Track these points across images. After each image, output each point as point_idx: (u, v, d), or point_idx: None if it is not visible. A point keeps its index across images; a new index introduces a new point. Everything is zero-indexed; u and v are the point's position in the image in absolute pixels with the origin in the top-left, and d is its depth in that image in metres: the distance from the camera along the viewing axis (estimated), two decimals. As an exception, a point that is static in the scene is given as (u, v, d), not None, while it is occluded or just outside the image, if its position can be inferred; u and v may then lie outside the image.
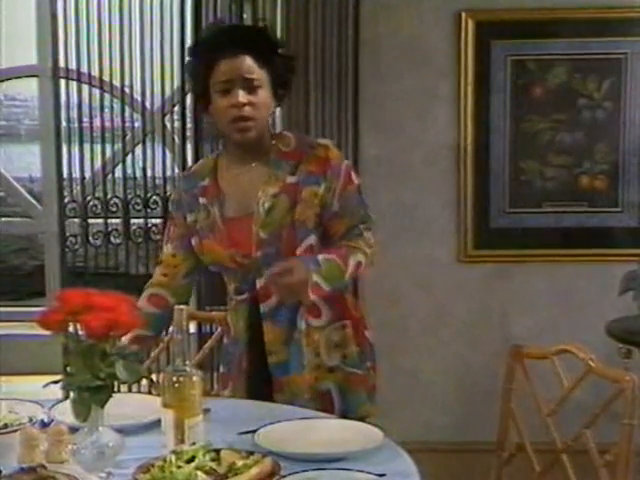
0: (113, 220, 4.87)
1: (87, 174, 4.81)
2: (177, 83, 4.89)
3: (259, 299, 2.91)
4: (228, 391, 3.03)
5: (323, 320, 2.93)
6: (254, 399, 2.91)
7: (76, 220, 4.81)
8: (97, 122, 4.84)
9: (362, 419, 2.86)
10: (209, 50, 2.90)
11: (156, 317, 2.98)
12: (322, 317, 2.93)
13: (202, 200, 2.99)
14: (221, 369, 3.09)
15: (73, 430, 2.24)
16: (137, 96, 4.89)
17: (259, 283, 2.91)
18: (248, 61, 2.85)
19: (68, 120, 4.75)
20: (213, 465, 2.13)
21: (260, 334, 2.93)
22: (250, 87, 2.85)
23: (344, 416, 2.84)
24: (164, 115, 5.00)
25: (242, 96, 2.83)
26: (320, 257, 2.83)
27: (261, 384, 2.95)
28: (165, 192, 4.93)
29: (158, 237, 4.92)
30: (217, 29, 3.29)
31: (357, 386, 2.97)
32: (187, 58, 3.12)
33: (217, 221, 2.94)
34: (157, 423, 2.42)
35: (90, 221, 4.84)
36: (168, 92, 4.92)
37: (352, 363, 2.97)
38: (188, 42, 4.82)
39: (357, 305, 3.09)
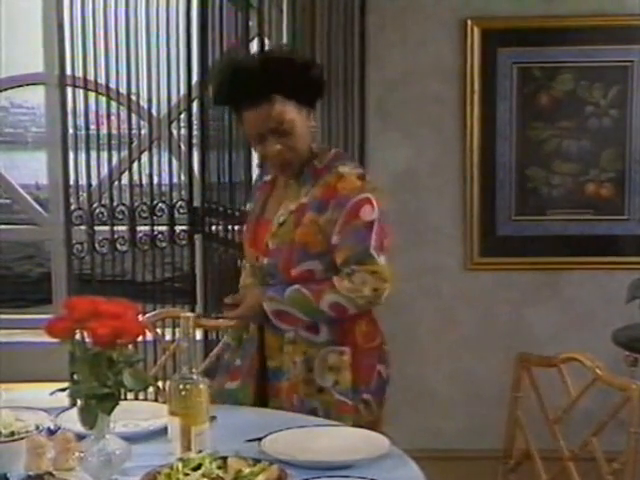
0: (119, 227, 4.87)
1: (93, 181, 4.81)
2: (183, 90, 4.90)
3: None
4: (236, 384, 3.01)
5: (321, 338, 2.89)
6: (256, 400, 2.94)
7: (82, 227, 4.81)
8: (103, 129, 4.84)
9: None
10: (230, 102, 2.90)
11: None
12: (319, 334, 2.89)
13: (257, 195, 3.08)
14: (237, 362, 3.05)
15: (80, 438, 2.25)
16: (143, 103, 4.90)
17: None
18: (274, 107, 2.78)
19: (75, 127, 4.74)
20: (220, 473, 2.12)
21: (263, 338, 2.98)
22: (281, 132, 2.81)
23: None
24: (170, 122, 5.01)
25: (275, 145, 2.82)
26: (293, 287, 2.84)
27: (262, 387, 2.98)
28: (171, 199, 4.94)
29: (164, 244, 4.94)
30: (231, 72, 2.90)
31: (343, 414, 2.86)
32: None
33: (253, 219, 3.03)
34: (164, 431, 2.42)
35: (96, 228, 4.83)
36: (174, 99, 4.93)
37: (342, 391, 2.87)
38: (194, 49, 4.84)
39: (373, 336, 2.97)
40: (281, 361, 2.92)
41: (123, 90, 4.83)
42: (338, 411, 2.87)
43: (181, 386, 2.33)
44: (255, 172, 4.55)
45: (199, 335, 4.17)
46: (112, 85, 4.79)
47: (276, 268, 2.89)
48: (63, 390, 2.20)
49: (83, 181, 4.79)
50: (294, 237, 2.85)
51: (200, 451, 2.23)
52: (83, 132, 4.79)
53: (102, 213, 4.83)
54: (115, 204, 4.86)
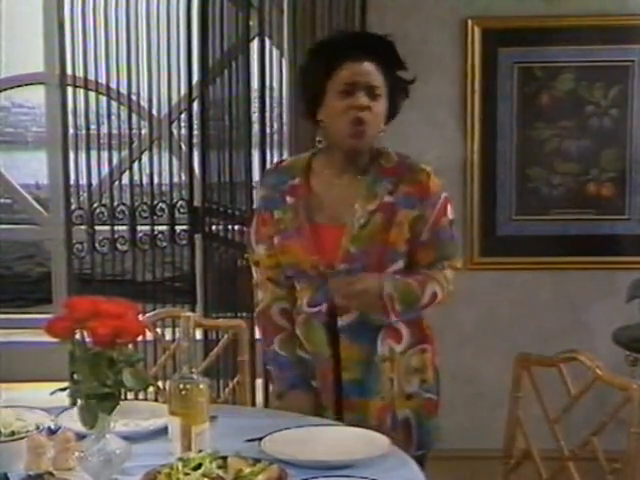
0: (119, 227, 4.87)
1: (94, 181, 4.82)
2: (184, 90, 4.90)
3: (338, 312, 2.80)
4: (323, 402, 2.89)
5: (403, 344, 2.84)
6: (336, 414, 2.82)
7: (82, 227, 4.81)
8: (104, 129, 4.85)
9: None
10: (335, 50, 2.82)
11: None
12: (402, 341, 2.84)
13: (290, 200, 2.88)
14: (314, 383, 2.88)
15: (80, 437, 2.25)
16: (144, 103, 4.90)
17: None
18: (374, 68, 2.78)
19: (75, 127, 4.75)
20: (220, 472, 2.13)
21: (337, 348, 2.82)
22: (372, 94, 2.78)
23: (420, 447, 2.76)
24: (171, 122, 5.01)
25: (364, 99, 2.77)
26: (397, 276, 2.79)
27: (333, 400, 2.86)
28: (172, 199, 4.94)
29: (165, 244, 4.94)
30: (344, 32, 3.22)
31: (433, 412, 2.88)
32: (306, 59, 2.99)
33: (305, 225, 2.84)
34: (164, 430, 2.42)
35: (96, 228, 4.84)
36: (175, 99, 4.93)
37: (429, 388, 2.88)
38: (195, 49, 4.84)
39: (431, 328, 2.99)
40: (364, 375, 2.80)
41: (123, 90, 4.84)
42: (428, 411, 2.87)
43: (181, 386, 2.33)
44: (255, 172, 4.57)
45: (199, 335, 4.17)
46: (112, 85, 4.80)
47: (362, 271, 2.76)
48: (63, 390, 2.20)
49: (83, 181, 4.80)
50: (387, 238, 2.78)
51: (200, 451, 2.24)
52: (83, 132, 4.80)
53: (102, 213, 4.83)
54: (115, 204, 4.87)
